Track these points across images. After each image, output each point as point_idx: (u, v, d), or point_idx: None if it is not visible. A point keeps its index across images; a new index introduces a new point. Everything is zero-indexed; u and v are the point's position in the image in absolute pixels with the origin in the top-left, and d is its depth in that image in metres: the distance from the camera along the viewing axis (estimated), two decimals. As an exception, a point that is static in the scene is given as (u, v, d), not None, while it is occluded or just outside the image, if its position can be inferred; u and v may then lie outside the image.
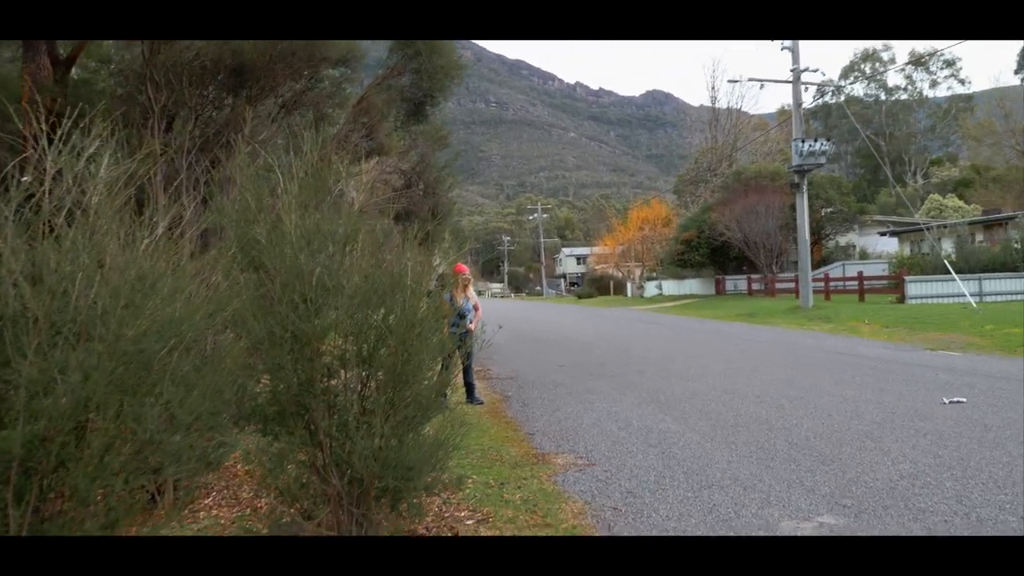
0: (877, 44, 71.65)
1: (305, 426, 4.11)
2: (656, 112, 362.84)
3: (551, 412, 9.42)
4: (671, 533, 4.84)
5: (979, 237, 35.71)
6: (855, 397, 9.48)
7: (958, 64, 71.81)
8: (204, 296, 3.74)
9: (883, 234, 43.19)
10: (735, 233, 38.73)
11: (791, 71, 28.50)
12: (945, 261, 27.12)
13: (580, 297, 68.92)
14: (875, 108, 73.49)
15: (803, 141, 27.43)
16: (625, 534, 4.84)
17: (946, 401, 8.91)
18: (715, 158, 62.90)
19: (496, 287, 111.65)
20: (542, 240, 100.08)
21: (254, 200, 4.33)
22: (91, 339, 2.99)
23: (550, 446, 7.57)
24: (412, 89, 14.84)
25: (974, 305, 22.61)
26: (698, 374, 12.37)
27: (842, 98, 63.65)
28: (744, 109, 66.69)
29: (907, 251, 39.17)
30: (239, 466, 6.27)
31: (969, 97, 73.14)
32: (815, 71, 28.88)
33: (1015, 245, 29.17)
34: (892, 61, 73.30)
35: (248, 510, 5.45)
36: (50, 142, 3.27)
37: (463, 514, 5.31)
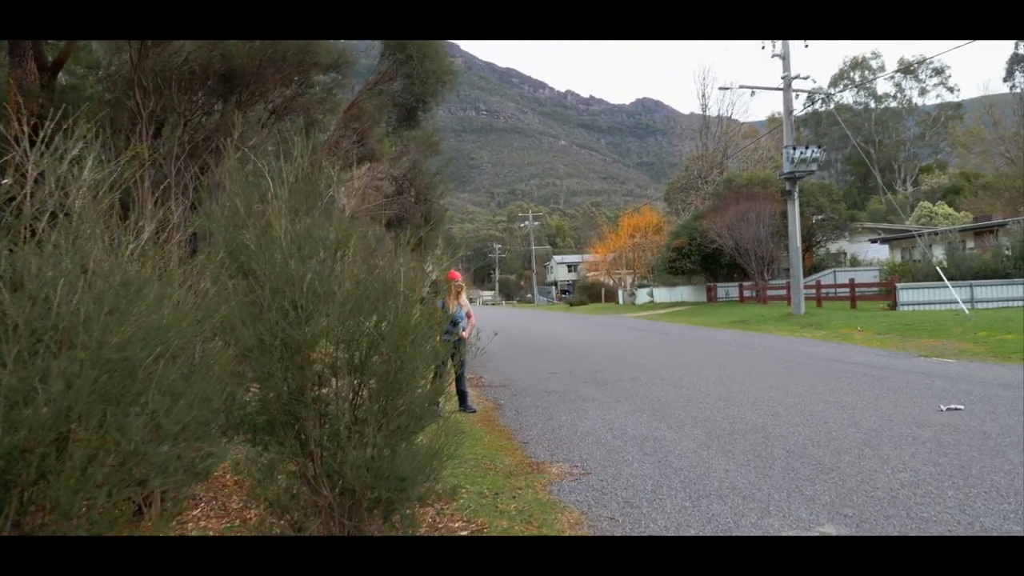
0: (866, 52, 72.18)
1: (295, 436, 4.01)
2: (646, 120, 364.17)
3: (545, 420, 9.32)
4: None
5: (970, 244, 35.81)
6: (851, 404, 9.42)
7: (947, 72, 72.45)
8: (192, 302, 3.64)
9: (874, 241, 43.31)
10: (726, 240, 38.80)
11: (782, 78, 28.53)
12: (937, 268, 27.15)
13: (571, 304, 68.90)
14: (864, 116, 73.95)
15: (794, 148, 27.44)
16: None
17: (943, 408, 8.85)
18: (706, 165, 63.09)
19: (487, 294, 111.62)
20: (533, 248, 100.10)
21: (243, 205, 4.23)
22: (73, 346, 2.89)
23: (544, 455, 7.48)
24: (404, 94, 14.77)
25: (967, 312, 22.61)
26: (692, 381, 12.29)
27: (832, 106, 63.84)
28: (734, 117, 66.99)
29: (898, 258, 39.23)
30: (228, 476, 6.16)
31: (958, 105, 73.64)
32: (806, 78, 28.91)
33: (1006, 252, 29.20)
34: (881, 69, 73.76)
35: (237, 521, 5.34)
36: (32, 144, 3.17)
37: (457, 525, 5.21)
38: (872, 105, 75.20)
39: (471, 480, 6.40)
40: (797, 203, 28.73)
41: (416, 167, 18.67)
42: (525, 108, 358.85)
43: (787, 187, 28.73)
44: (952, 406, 8.92)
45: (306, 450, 4.00)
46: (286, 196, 4.18)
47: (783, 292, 33.80)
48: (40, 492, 2.84)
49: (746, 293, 40.50)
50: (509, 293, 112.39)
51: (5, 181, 3.03)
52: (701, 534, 4.92)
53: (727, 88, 53.42)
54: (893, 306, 26.82)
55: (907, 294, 27.09)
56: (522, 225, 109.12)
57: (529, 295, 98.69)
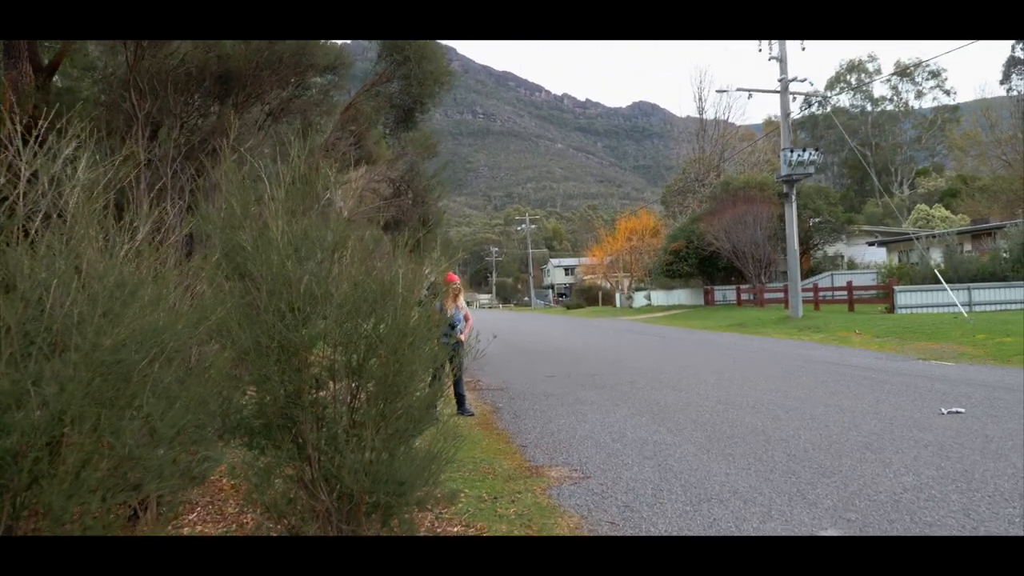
0: (863, 55, 72.37)
1: (293, 439, 3.96)
2: (643, 123, 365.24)
3: (543, 423, 9.26)
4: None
5: (967, 247, 35.84)
6: (852, 407, 9.37)
7: (943, 75, 72.65)
8: (187, 304, 3.60)
9: (871, 244, 43.35)
10: (723, 243, 38.77)
11: (779, 81, 28.53)
12: (935, 271, 27.14)
13: (568, 307, 68.90)
14: (861, 119, 74.13)
15: (791, 151, 27.43)
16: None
17: (944, 411, 8.81)
18: (702, 168, 63.18)
19: (484, 298, 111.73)
20: (530, 251, 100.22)
21: (240, 206, 4.18)
22: (67, 349, 2.84)
23: (543, 458, 7.42)
24: (401, 95, 14.72)
25: (965, 315, 22.59)
26: (691, 384, 12.24)
27: (828, 108, 64.00)
28: (731, 120, 67.16)
29: (895, 261, 39.25)
30: (224, 481, 6.10)
31: (955, 108, 73.82)
32: (803, 81, 28.90)
33: (1004, 255, 29.22)
34: (878, 72, 73.96)
35: (234, 526, 5.28)
36: (25, 143, 3.13)
37: (456, 529, 5.16)
38: (869, 108, 75.40)
39: (470, 484, 6.35)
40: (794, 206, 28.72)
41: (413, 169, 18.61)
42: (522, 111, 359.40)
43: (784, 190, 28.74)
44: (953, 409, 8.88)
45: (303, 454, 3.95)
46: (283, 197, 4.13)
47: (780, 295, 33.78)
48: (33, 497, 2.80)
49: (743, 296, 40.45)
50: (506, 296, 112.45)
51: (-3, 181, 2.97)
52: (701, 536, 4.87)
53: (724, 91, 53.85)
54: (891, 309, 26.81)
55: (905, 297, 27.08)
56: (519, 228, 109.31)
57: (526, 298, 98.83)
